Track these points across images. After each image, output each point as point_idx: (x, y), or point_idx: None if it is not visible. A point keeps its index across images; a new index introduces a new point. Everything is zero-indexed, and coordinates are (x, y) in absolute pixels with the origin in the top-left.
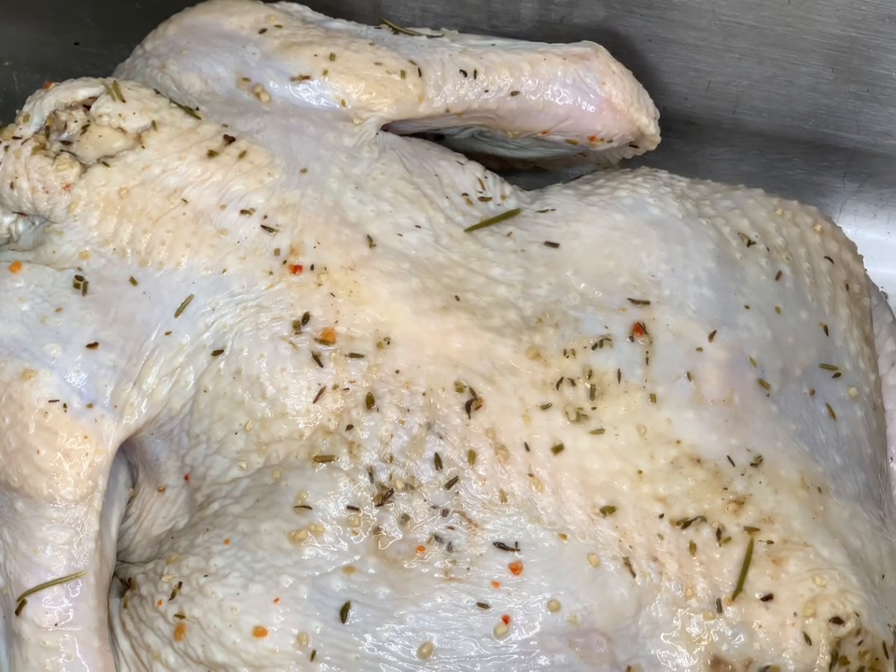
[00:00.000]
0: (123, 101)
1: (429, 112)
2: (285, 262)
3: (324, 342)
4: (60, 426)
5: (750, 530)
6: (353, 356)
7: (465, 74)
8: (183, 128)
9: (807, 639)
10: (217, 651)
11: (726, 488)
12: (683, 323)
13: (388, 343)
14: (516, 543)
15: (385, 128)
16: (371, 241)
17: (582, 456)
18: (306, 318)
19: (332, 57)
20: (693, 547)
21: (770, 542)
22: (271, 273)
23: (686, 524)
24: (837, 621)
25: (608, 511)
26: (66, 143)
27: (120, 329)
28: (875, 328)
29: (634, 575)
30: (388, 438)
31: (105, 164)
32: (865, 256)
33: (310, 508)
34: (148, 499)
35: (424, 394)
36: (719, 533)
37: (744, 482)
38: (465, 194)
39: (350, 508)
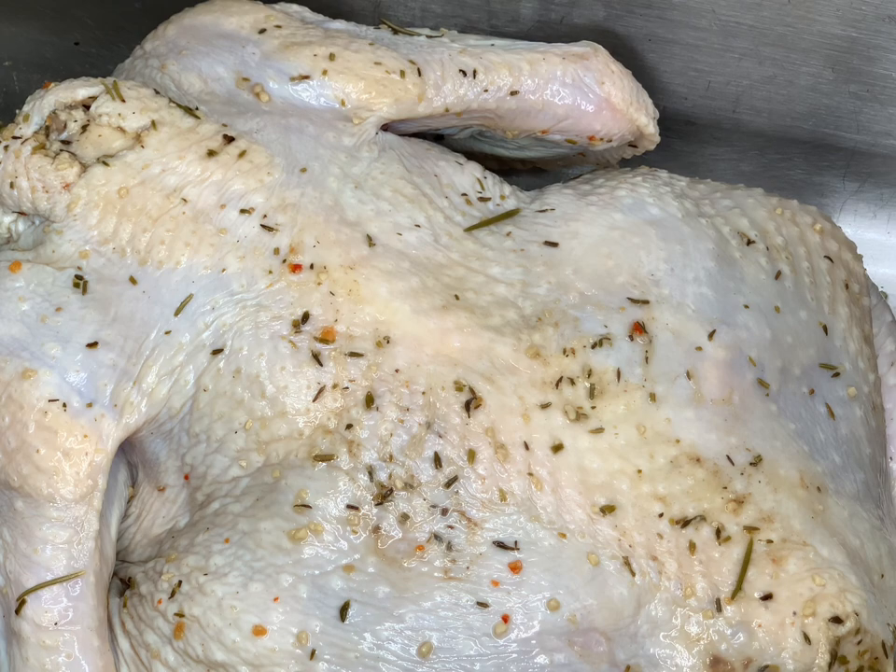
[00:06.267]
0: (123, 100)
1: (429, 111)
2: (284, 261)
3: (324, 340)
4: (59, 425)
5: (750, 529)
6: (353, 354)
7: (464, 74)
8: (182, 127)
9: (807, 639)
10: (216, 650)
11: (725, 487)
12: (683, 322)
13: (388, 341)
14: (516, 542)
15: (385, 128)
16: (370, 240)
17: (582, 456)
18: (306, 317)
19: (332, 57)
20: (692, 546)
21: (769, 541)
22: (270, 271)
23: (686, 523)
24: (836, 620)
25: (607, 510)
26: (66, 143)
27: (120, 328)
28: (875, 327)
29: (633, 574)
30: (388, 437)
31: (105, 164)
32: (865, 255)
33: (309, 507)
34: (148, 499)
35: (423, 393)
36: (718, 532)
37: (743, 481)
38: (464, 194)
39: (350, 507)
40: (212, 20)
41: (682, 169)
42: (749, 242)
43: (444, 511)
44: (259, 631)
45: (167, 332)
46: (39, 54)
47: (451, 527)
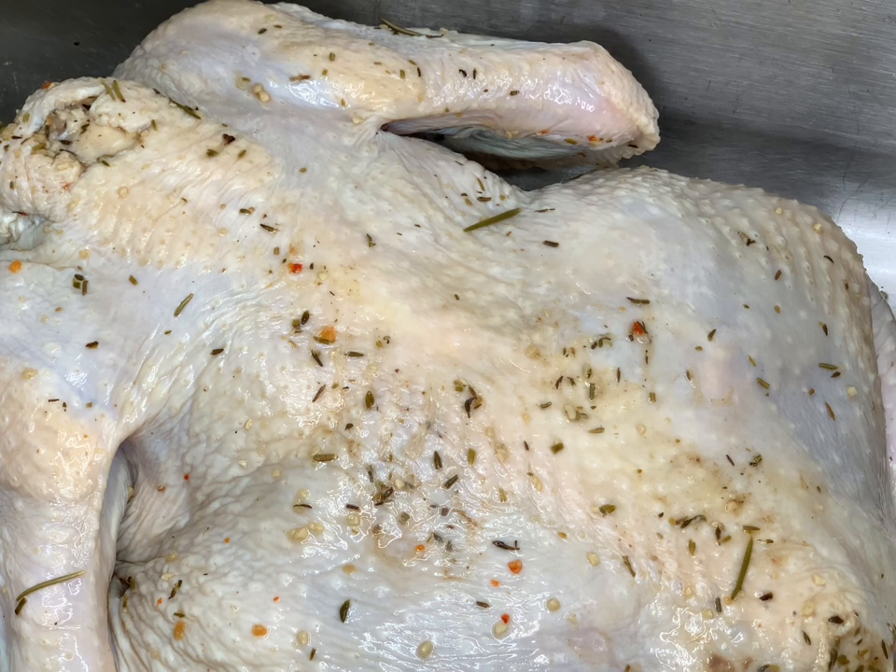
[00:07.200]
0: (123, 100)
1: (429, 111)
2: (284, 261)
3: (324, 340)
4: (59, 425)
5: (750, 529)
6: (353, 354)
7: (464, 73)
8: (182, 127)
9: (807, 638)
10: (216, 650)
11: (725, 487)
12: (683, 322)
13: (388, 341)
14: (516, 542)
15: (385, 128)
16: (370, 240)
17: (582, 456)
18: (306, 317)
19: (332, 57)
20: (692, 546)
21: (769, 541)
22: (270, 271)
23: (685, 523)
24: (836, 620)
25: (607, 509)
26: (66, 142)
27: (120, 328)
28: (875, 327)
29: (633, 574)
30: (388, 437)
31: (105, 163)
32: (865, 255)
33: (309, 507)
34: (148, 499)
35: (423, 393)
36: (718, 532)
37: (743, 481)
38: (464, 194)
39: (350, 507)
40: (212, 20)
41: (682, 169)
42: (749, 242)
43: (444, 511)
44: (258, 631)
45: (167, 332)
46: (39, 54)
47: (451, 527)
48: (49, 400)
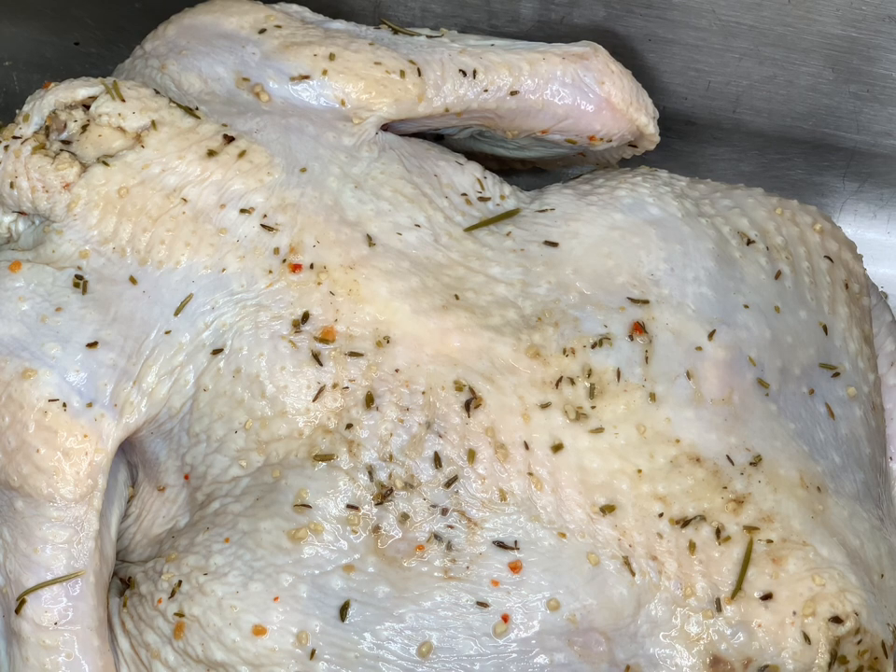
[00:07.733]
0: (123, 100)
1: (429, 111)
2: (284, 261)
3: (324, 340)
4: (59, 425)
5: (750, 529)
6: (352, 354)
7: (464, 74)
8: (182, 127)
9: (806, 638)
10: (216, 650)
11: (725, 487)
12: (683, 322)
13: (388, 341)
14: (515, 542)
15: (385, 128)
16: (370, 240)
17: (582, 455)
18: (306, 317)
19: (332, 57)
20: (692, 546)
21: (769, 541)
22: (270, 271)
23: (685, 522)
24: (836, 620)
25: (607, 509)
26: (66, 142)
27: (120, 328)
28: (875, 327)
29: (633, 574)
30: (388, 437)
31: (105, 163)
32: (865, 255)
33: (309, 506)
34: (148, 499)
35: (423, 393)
36: (718, 532)
37: (743, 481)
38: (464, 194)
39: (350, 506)
40: (212, 20)
41: (682, 169)
42: (749, 242)
43: (444, 511)
44: (258, 631)
45: (167, 332)
46: (39, 54)
47: (451, 527)
48: (49, 400)
